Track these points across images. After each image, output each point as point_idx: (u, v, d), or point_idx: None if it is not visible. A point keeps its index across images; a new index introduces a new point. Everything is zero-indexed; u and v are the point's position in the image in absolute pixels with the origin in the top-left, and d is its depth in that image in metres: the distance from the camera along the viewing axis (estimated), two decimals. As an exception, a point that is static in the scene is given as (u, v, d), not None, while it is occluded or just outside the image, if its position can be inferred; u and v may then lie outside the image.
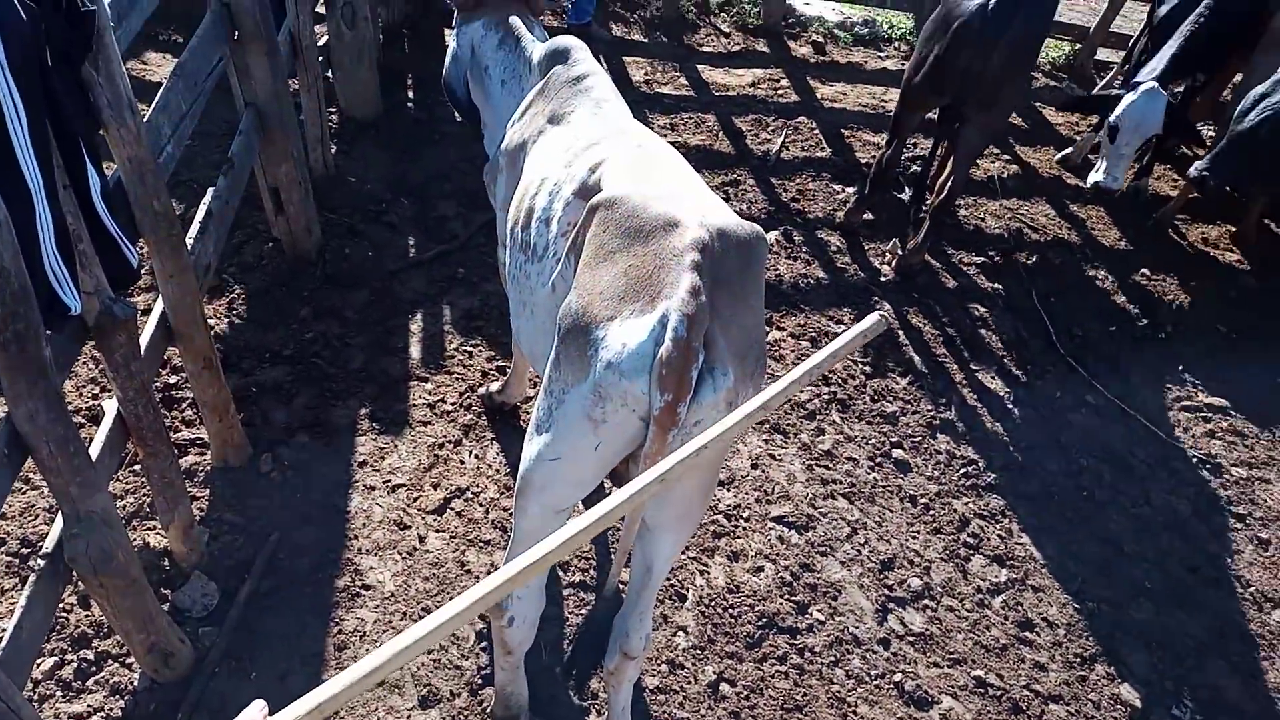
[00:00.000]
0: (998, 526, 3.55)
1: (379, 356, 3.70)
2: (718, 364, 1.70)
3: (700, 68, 6.06)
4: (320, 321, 3.79)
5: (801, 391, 3.93)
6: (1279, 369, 4.59)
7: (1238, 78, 5.45)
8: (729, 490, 3.45)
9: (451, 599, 2.86)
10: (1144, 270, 5.09)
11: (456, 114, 3.38)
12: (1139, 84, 4.51)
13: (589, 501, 3.16)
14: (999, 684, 3.01)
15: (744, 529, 3.31)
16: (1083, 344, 4.53)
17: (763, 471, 3.55)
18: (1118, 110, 4.52)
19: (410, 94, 5.33)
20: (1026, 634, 3.19)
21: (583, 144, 2.19)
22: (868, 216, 4.97)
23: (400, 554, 3.00)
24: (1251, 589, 3.54)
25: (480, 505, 3.20)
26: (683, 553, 3.16)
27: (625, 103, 2.50)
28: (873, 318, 1.53)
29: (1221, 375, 4.50)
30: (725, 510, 3.36)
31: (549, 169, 2.20)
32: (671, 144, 5.39)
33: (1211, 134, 5.88)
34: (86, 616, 2.68)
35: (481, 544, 3.08)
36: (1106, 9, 6.49)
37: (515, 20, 2.90)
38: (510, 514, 3.15)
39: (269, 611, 2.78)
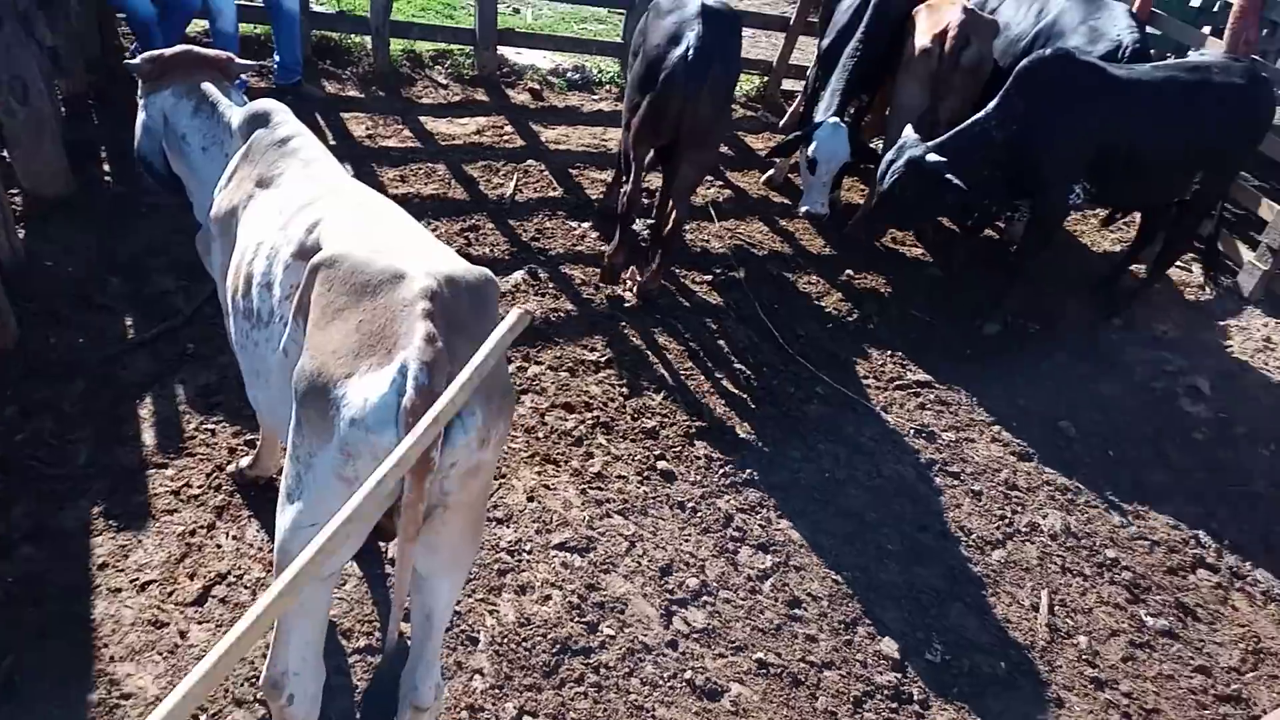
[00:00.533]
0: (758, 517, 3.84)
1: (108, 448, 3.37)
2: (464, 406, 1.75)
3: (423, 119, 6.09)
4: (31, 419, 3.40)
5: (565, 420, 4.05)
6: (967, 342, 5.33)
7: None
8: (508, 527, 3.47)
9: (225, 689, 2.66)
10: (848, 271, 5.72)
11: (155, 187, 3.19)
12: (822, 121, 5.17)
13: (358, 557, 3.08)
14: (778, 662, 3.25)
15: (528, 562, 3.35)
16: (807, 343, 5.02)
17: (539, 503, 3.61)
18: (812, 147, 5.18)
19: (106, 167, 4.92)
20: (795, 611, 3.47)
21: (296, 205, 2.17)
22: (627, 296, 4.97)
23: (160, 654, 2.74)
24: (973, 535, 4.06)
25: (245, 588, 3.00)
26: (469, 595, 3.14)
27: (335, 160, 2.50)
28: (515, 314, 1.68)
29: (923, 353, 5.16)
30: (507, 547, 3.38)
31: (264, 233, 2.15)
32: (405, 195, 5.40)
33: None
34: None
35: (251, 629, 2.88)
36: (784, 46, 7.30)
37: (208, 86, 2.83)
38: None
39: (4, 751, 2.45)
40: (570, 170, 6.03)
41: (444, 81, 6.62)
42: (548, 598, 3.23)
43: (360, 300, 1.77)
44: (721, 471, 4.02)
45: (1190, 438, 4.99)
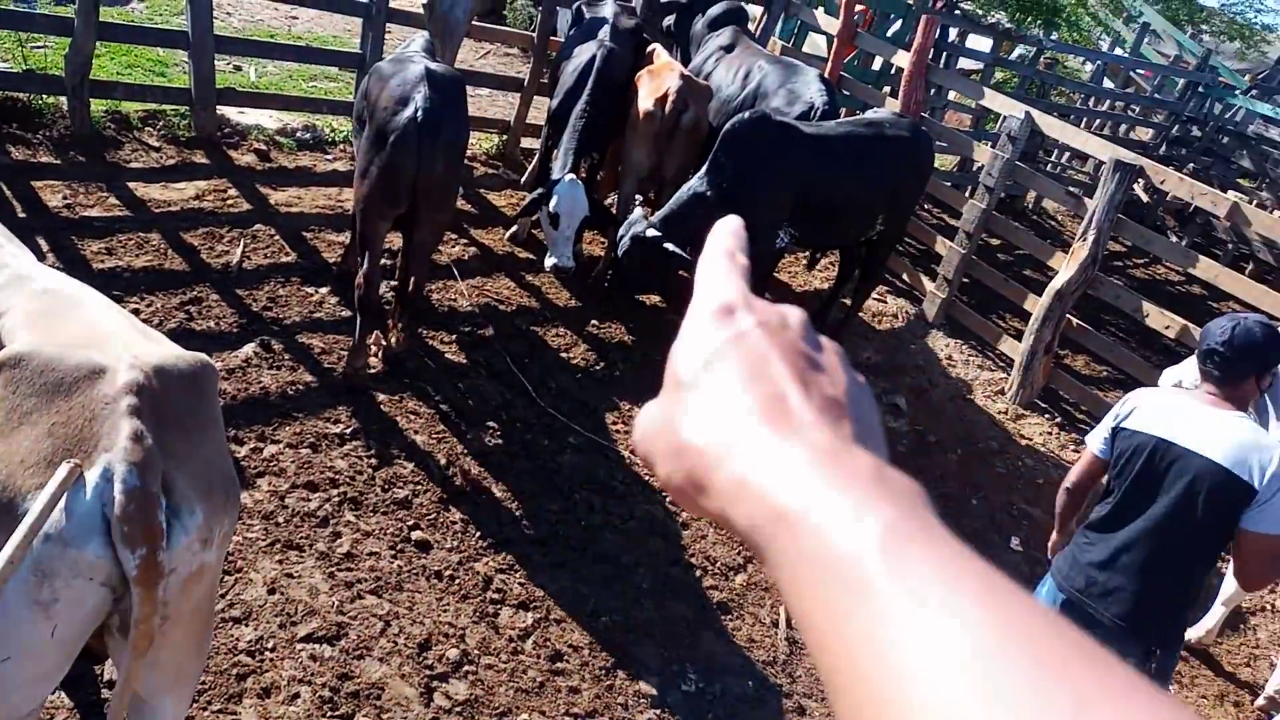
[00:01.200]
0: (518, 575, 3.89)
1: None
2: (183, 504, 1.68)
3: (132, 184, 5.65)
4: None
5: (308, 500, 3.90)
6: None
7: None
8: (247, 625, 3.28)
9: None
10: (594, 322, 5.96)
11: None
12: (560, 178, 5.40)
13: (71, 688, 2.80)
14: None
15: (271, 660, 3.18)
16: (558, 394, 5.17)
17: (281, 594, 3.45)
18: (553, 202, 5.39)
19: None
20: (558, 664, 3.55)
21: None
22: (374, 363, 4.81)
23: None
24: (718, 563, 4.35)
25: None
26: (204, 709, 2.93)
27: (21, 244, 2.31)
28: (63, 468, 1.59)
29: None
30: (246, 648, 3.19)
31: None
32: (113, 268, 4.97)
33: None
34: None
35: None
36: (520, 105, 7.52)
37: None
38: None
39: None
40: (304, 233, 5.83)
41: (156, 144, 6.18)
42: (295, 695, 3.08)
43: (53, 401, 1.65)
44: (479, 534, 4.04)
45: (895, 450, 5.65)
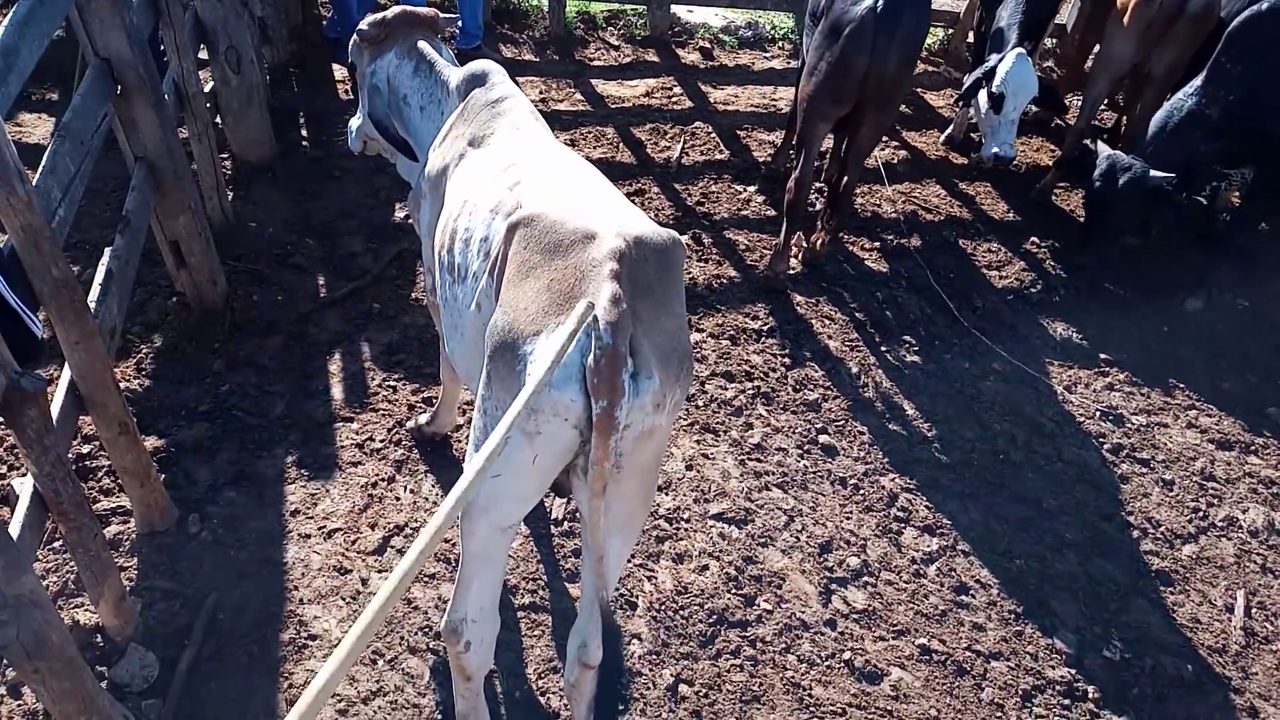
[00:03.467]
0: (925, 498, 3.70)
1: (301, 401, 3.65)
2: (643, 368, 1.77)
3: (594, 82, 6.13)
4: (235, 372, 3.71)
5: (725, 389, 4.03)
6: (1164, 319, 4.90)
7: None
8: (667, 495, 3.51)
9: (401, 637, 2.85)
10: (1033, 239, 5.36)
11: (360, 143, 3.34)
12: (1004, 54, 4.79)
13: (529, 520, 3.19)
14: (942, 649, 3.14)
15: (685, 530, 3.38)
16: (984, 315, 4.75)
17: (697, 472, 3.63)
18: (998, 78, 4.79)
19: (304, 133, 5.26)
20: (962, 597, 3.33)
21: (501, 165, 2.24)
22: (794, 264, 4.77)
23: (344, 599, 2.96)
24: (1161, 528, 3.76)
25: (421, 539, 3.18)
26: (629, 561, 3.20)
27: (544, 122, 2.55)
28: (581, 305, 1.65)
29: (1113, 330, 4.78)
30: (666, 514, 3.42)
31: (470, 192, 2.23)
32: (573, 160, 5.43)
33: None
34: (20, 706, 2.57)
35: (426, 578, 3.06)
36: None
37: (424, 45, 2.92)
38: (453, 545, 3.15)
39: (214, 676, 2.72)
40: (738, 132, 5.93)
41: (616, 43, 6.63)
42: (705, 567, 3.24)
43: (553, 259, 1.82)
44: (887, 448, 3.90)
45: None
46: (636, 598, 3.11)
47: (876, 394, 4.17)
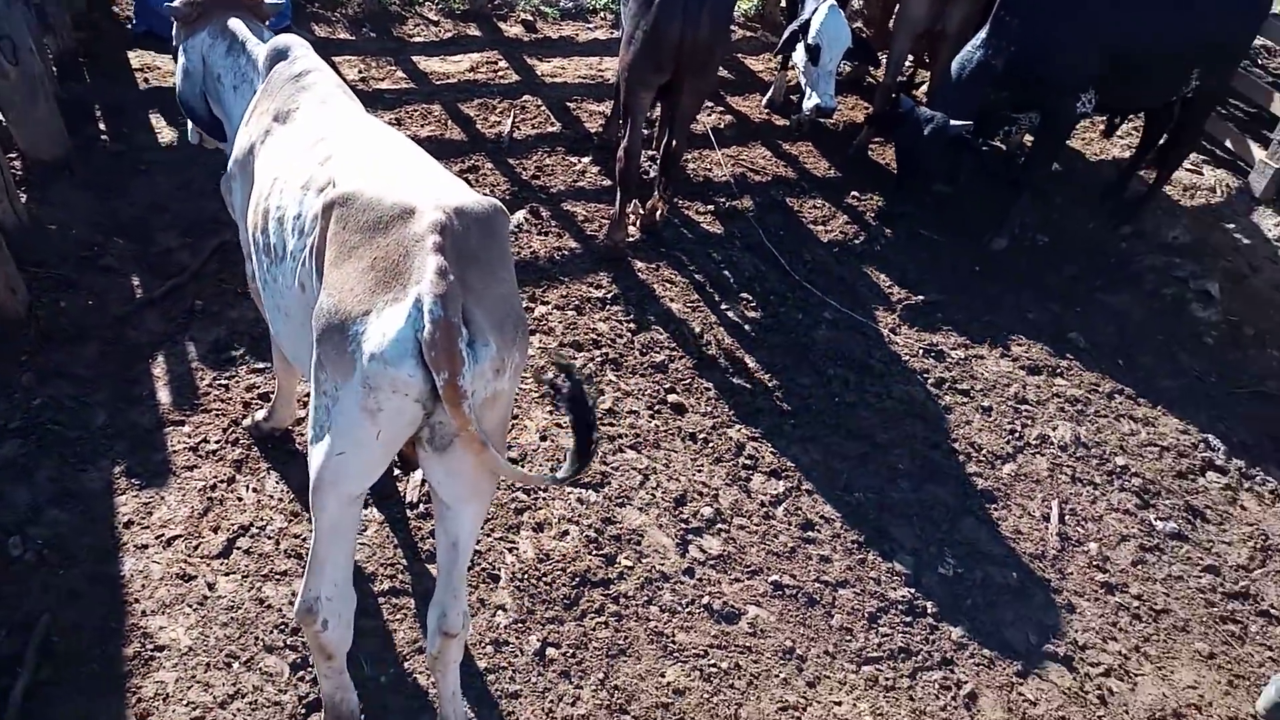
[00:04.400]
0: (769, 445, 3.88)
1: (124, 409, 3.44)
2: (478, 336, 1.80)
3: (415, 59, 5.99)
4: (47, 385, 3.45)
5: (574, 359, 4.08)
6: (974, 259, 5.29)
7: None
8: (523, 466, 3.53)
9: (256, 637, 2.76)
10: (854, 193, 5.65)
11: (197, 135, 3.18)
12: (817, 7, 5.00)
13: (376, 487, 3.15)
14: (793, 583, 3.33)
15: (544, 499, 3.42)
16: (814, 268, 4.99)
17: (552, 441, 3.67)
18: (813, 30, 4.99)
19: (101, 126, 4.89)
20: (809, 533, 3.53)
21: (310, 140, 2.19)
22: (632, 232, 4.84)
23: (190, 606, 2.84)
24: (983, 451, 4.10)
25: (269, 538, 3.08)
26: (488, 535, 3.22)
27: (351, 94, 2.49)
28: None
29: (931, 272, 5.13)
30: (523, 486, 3.44)
31: (279, 169, 2.18)
32: (400, 139, 5.28)
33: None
34: None
35: (278, 576, 2.98)
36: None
37: (236, 23, 2.83)
38: (303, 539, 3.07)
39: (54, 701, 2.56)
40: (568, 104, 5.94)
41: (435, 18, 6.48)
42: (565, 533, 3.30)
43: (373, 237, 1.82)
44: (732, 400, 4.06)
45: (1201, 342, 4.98)
46: (499, 570, 3.13)
47: (719, 351, 4.32)
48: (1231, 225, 5.99)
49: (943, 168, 5.18)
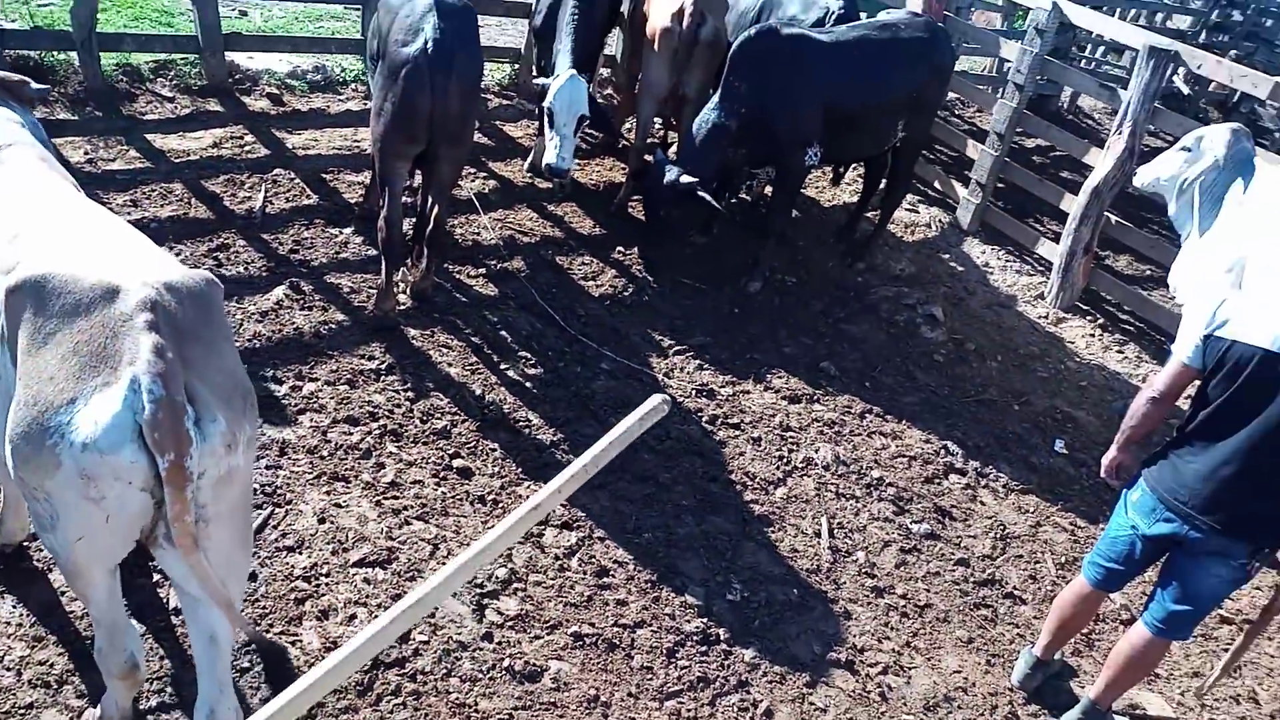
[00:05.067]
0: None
1: None
2: (205, 412, 1.73)
3: (150, 137, 5.65)
4: None
5: (350, 434, 3.95)
6: (734, 302, 5.67)
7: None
8: (300, 554, 3.36)
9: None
10: (619, 248, 5.91)
11: None
12: (556, 75, 5.27)
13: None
14: (593, 631, 3.37)
15: (327, 585, 3.26)
16: (588, 322, 5.15)
17: (331, 523, 3.52)
18: (548, 98, 5.24)
19: None
20: (604, 579, 3.60)
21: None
22: (402, 300, 4.80)
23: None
24: (757, 479, 4.36)
25: (7, 669, 2.73)
26: (268, 631, 3.02)
27: (64, 171, 2.34)
28: (654, 400, 1.75)
29: (696, 317, 5.44)
30: (302, 574, 3.27)
31: None
32: (140, 220, 4.99)
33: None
34: None
35: (21, 711, 2.64)
36: (530, 33, 7.35)
37: None
38: (50, 664, 2.75)
39: None
40: (324, 175, 5.81)
41: (170, 94, 6.15)
42: (352, 617, 3.16)
43: (74, 320, 1.72)
44: (519, 459, 4.08)
45: (933, 360, 5.59)
46: (283, 666, 2.95)
47: (502, 411, 4.34)
48: (947, 255, 6.81)
49: (682, 217, 5.55)
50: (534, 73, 5.49)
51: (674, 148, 6.95)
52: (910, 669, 3.59)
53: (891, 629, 3.74)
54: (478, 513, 3.76)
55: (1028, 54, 6.50)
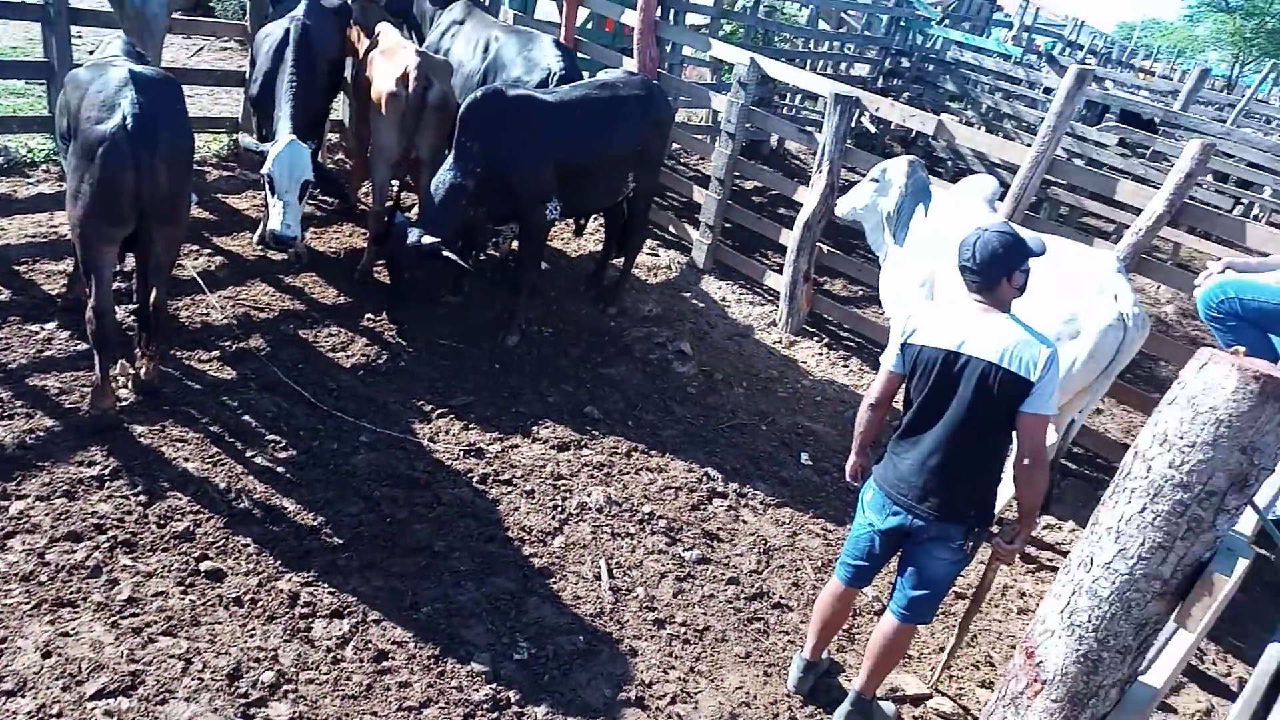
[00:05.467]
0: (326, 585, 3.72)
1: None
2: None
3: None
4: None
5: (73, 552, 3.53)
6: (494, 358, 5.67)
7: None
8: (24, 697, 2.94)
9: None
10: (368, 315, 5.74)
11: None
12: (275, 141, 5.12)
13: None
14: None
15: (58, 728, 2.88)
16: (341, 395, 4.95)
17: (59, 655, 3.11)
18: (266, 165, 5.05)
19: None
20: (384, 664, 3.44)
21: None
22: (124, 396, 4.39)
23: None
24: (534, 532, 4.36)
25: None
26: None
27: None
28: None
29: (457, 377, 5.38)
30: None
31: None
32: None
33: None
34: None
35: None
36: (247, 101, 7.03)
37: None
38: None
39: None
40: (16, 267, 5.20)
41: None
42: (94, 758, 2.81)
43: None
44: (276, 551, 3.82)
45: (687, 393, 5.90)
46: (9, 834, 2.56)
47: (253, 502, 4.06)
48: (688, 293, 7.23)
49: (433, 278, 5.54)
50: (254, 141, 5.28)
51: (414, 209, 6.91)
52: (696, 694, 3.72)
53: (676, 658, 3.86)
54: (234, 616, 3.47)
55: (735, 105, 7.11)
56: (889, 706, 3.73)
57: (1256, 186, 11.17)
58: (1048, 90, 11.83)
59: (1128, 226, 5.52)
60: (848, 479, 3.73)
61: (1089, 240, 5.95)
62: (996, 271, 3.15)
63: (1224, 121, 12.44)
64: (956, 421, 3.15)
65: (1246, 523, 2.54)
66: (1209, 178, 10.81)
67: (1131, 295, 4.56)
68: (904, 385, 3.36)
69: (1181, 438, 2.20)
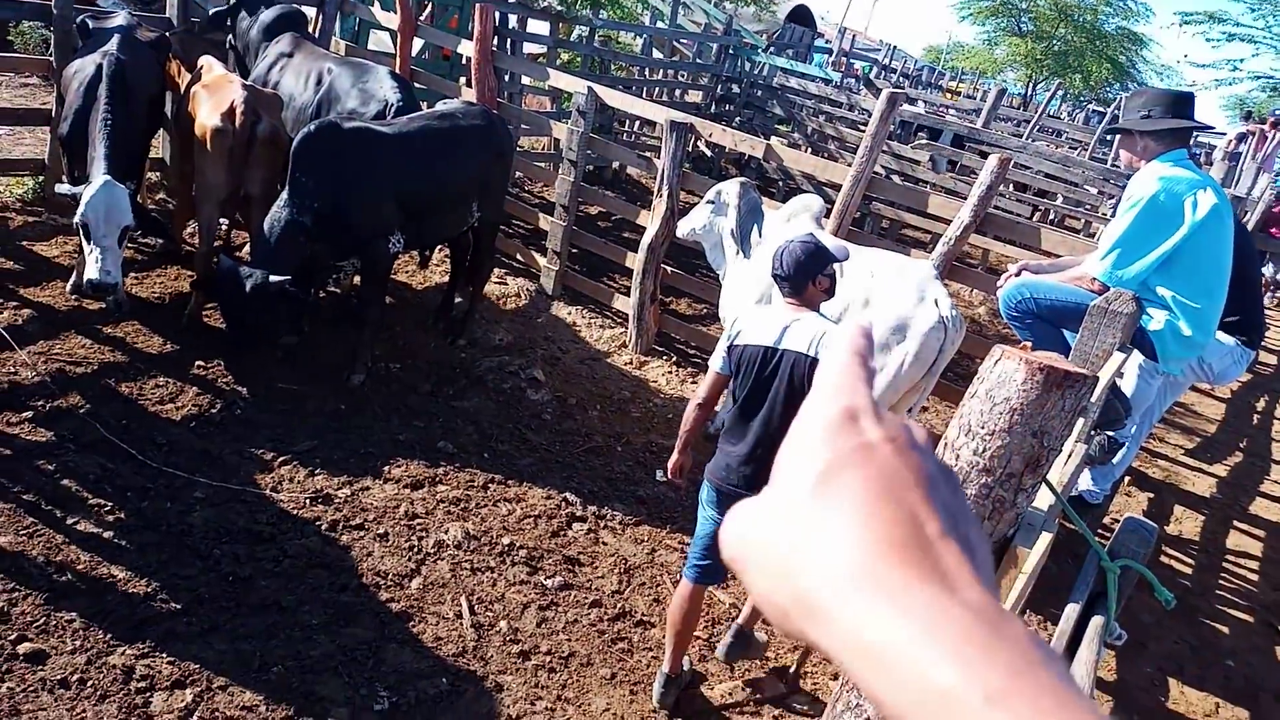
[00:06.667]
0: (164, 655, 3.49)
1: None
2: None
3: None
4: None
5: None
6: (338, 398, 5.50)
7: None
8: None
9: None
10: (199, 362, 5.45)
11: None
12: (90, 183, 4.81)
13: None
14: (227, 790, 3.04)
15: None
16: (171, 450, 4.67)
17: None
18: (80, 209, 4.74)
19: None
20: (232, 730, 3.27)
21: None
22: None
23: None
24: (390, 576, 4.25)
25: None
26: None
27: None
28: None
29: (298, 420, 5.18)
30: None
31: None
32: None
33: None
34: None
35: None
36: (53, 141, 6.56)
37: None
38: None
39: None
40: None
41: None
42: None
43: None
44: (106, 624, 3.56)
45: (542, 420, 5.91)
46: None
47: (76, 574, 3.77)
48: (540, 320, 7.25)
49: (275, 320, 5.34)
50: (67, 186, 4.93)
51: (245, 249, 6.62)
52: (566, 722, 3.72)
53: (542, 688, 3.85)
54: (60, 700, 3.21)
55: (575, 133, 7.21)
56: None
57: (1050, 194, 12.28)
58: (865, 111, 12.61)
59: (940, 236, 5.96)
60: (669, 477, 3.90)
61: (907, 251, 6.38)
62: (803, 277, 3.48)
63: (1020, 136, 13.62)
64: (776, 410, 3.42)
65: (1043, 500, 2.79)
66: (1010, 188, 11.81)
67: (949, 299, 4.93)
68: (729, 385, 3.59)
69: (983, 427, 2.41)
